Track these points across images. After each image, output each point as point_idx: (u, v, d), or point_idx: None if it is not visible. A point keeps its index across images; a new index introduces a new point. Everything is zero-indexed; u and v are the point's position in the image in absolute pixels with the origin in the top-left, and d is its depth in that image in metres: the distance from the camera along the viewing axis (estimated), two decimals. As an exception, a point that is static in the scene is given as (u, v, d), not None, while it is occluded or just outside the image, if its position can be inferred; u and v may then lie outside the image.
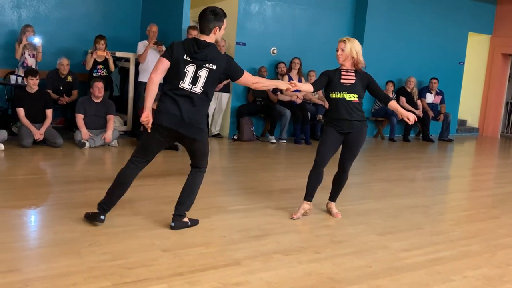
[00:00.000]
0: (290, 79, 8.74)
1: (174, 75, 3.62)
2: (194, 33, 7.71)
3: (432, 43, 10.78)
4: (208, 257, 3.40)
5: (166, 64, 3.61)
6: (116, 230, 3.75)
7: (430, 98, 10.59)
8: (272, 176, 6.17)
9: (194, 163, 3.90)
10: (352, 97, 4.26)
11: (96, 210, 3.80)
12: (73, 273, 2.98)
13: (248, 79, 3.88)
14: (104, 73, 7.82)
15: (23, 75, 7.17)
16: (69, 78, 7.70)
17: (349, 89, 4.28)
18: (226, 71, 3.75)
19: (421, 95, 10.51)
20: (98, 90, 6.99)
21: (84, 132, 6.85)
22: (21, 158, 6.15)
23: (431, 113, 10.37)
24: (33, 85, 6.74)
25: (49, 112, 6.84)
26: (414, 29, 10.47)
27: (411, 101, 10.22)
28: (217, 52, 3.68)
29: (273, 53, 9.13)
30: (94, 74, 7.71)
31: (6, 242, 3.41)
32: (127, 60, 8.22)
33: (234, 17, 8.62)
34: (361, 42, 9.80)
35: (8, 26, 7.86)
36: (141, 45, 7.90)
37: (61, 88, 7.64)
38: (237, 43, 8.66)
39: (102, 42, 7.69)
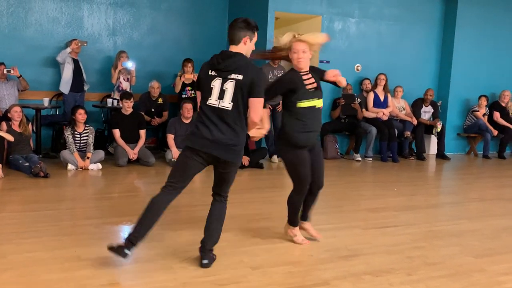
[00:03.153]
0: (376, 95, 8.62)
1: (203, 94, 3.37)
2: (278, 53, 7.82)
3: (528, 53, 10.17)
4: (296, 276, 3.40)
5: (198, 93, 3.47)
6: (207, 247, 3.84)
7: (527, 112, 9.96)
8: (358, 195, 6.07)
9: (218, 189, 3.53)
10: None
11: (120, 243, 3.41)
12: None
13: (257, 106, 3.28)
14: (192, 95, 8.11)
15: (118, 98, 7.63)
16: (160, 100, 8.06)
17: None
18: (250, 83, 3.25)
19: (517, 109, 9.92)
20: (187, 111, 7.27)
21: (174, 151, 7.12)
22: (117, 176, 6.51)
23: (529, 128, 9.73)
24: (128, 107, 7.13)
25: (142, 132, 7.20)
26: (508, 40, 9.93)
27: (506, 116, 9.66)
28: (246, 61, 3.32)
29: (358, 70, 9.04)
30: (183, 96, 8.02)
31: (106, 256, 3.60)
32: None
33: (317, 36, 8.64)
34: (450, 55, 9.70)
35: (105, 53, 8.40)
36: (227, 67, 8.12)
37: (153, 110, 8.01)
38: (321, 61, 8.66)
39: (189, 65, 8.00)
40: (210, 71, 3.33)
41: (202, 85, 3.37)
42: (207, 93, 3.32)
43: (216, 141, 3.28)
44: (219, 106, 3.28)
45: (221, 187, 3.50)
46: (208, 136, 3.29)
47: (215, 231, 3.50)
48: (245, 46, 3.36)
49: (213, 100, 3.29)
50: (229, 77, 3.26)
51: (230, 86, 3.26)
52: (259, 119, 3.35)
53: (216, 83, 3.29)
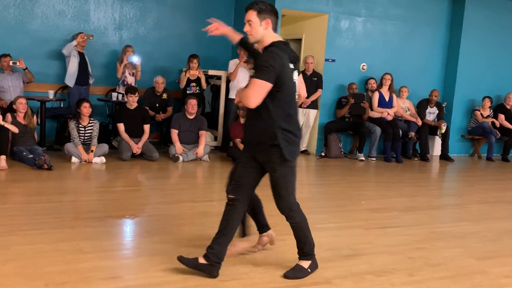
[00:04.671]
0: (381, 95, 8.60)
1: (286, 87, 3.03)
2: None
3: (535, 56, 10.13)
4: (298, 274, 3.40)
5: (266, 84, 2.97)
6: (208, 242, 3.83)
7: (532, 115, 9.92)
8: (361, 195, 6.06)
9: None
10: None
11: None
12: (170, 283, 3.11)
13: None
14: (197, 91, 8.11)
15: (123, 92, 7.63)
16: (164, 96, 8.06)
17: None
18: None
19: (522, 112, 9.88)
20: (192, 106, 7.27)
21: (178, 147, 7.13)
22: (120, 170, 6.52)
23: (533, 132, 9.70)
24: (132, 102, 7.14)
25: (146, 127, 7.20)
26: (514, 42, 9.91)
27: (510, 119, 9.63)
28: None
29: (363, 69, 9.02)
30: (188, 92, 8.02)
31: (109, 250, 3.62)
32: (219, 78, 8.48)
33: (323, 34, 8.64)
34: (456, 56, 9.67)
35: (111, 47, 8.40)
36: (232, 64, 8.12)
37: (157, 105, 8.01)
38: (326, 60, 8.65)
39: (195, 61, 8.00)
40: (289, 64, 3.04)
41: (286, 79, 3.02)
42: (292, 89, 3.08)
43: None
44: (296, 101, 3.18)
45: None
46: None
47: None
48: None
49: (295, 96, 3.15)
50: (296, 69, 3.13)
51: (298, 79, 3.16)
52: None
53: (295, 77, 3.11)
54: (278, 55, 2.95)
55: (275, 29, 3.11)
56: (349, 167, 7.86)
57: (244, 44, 3.37)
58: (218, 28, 3.41)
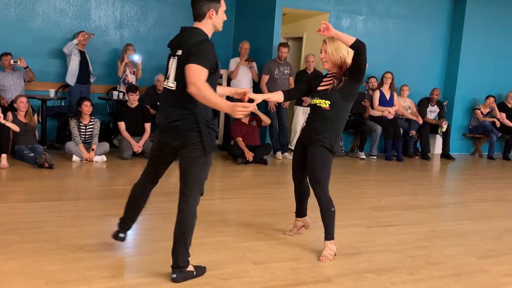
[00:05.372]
0: (382, 93, 8.59)
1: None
2: (285, 50, 7.81)
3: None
4: (299, 272, 3.40)
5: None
6: (209, 240, 3.85)
7: (533, 114, 9.91)
8: (362, 193, 6.06)
9: (180, 186, 3.10)
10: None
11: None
12: (170, 281, 3.10)
13: (190, 73, 2.83)
14: (198, 89, 8.08)
15: (124, 91, 7.63)
16: (165, 94, 8.05)
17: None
18: (187, 55, 2.90)
19: (524, 110, 9.87)
20: (193, 105, 7.26)
21: (178, 146, 7.13)
22: (121, 169, 6.52)
23: (534, 130, 9.68)
24: (133, 100, 7.14)
25: (147, 126, 7.20)
26: (516, 41, 9.90)
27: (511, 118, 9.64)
28: (191, 35, 2.97)
29: (364, 67, 9.00)
30: (189, 90, 8.01)
31: (109, 249, 3.62)
32: (220, 76, 8.47)
33: (324, 33, 8.62)
34: (458, 55, 9.65)
35: (111, 45, 8.39)
36: (233, 62, 8.12)
37: (158, 103, 8.00)
38: (327, 58, 8.63)
39: (196, 59, 7.98)
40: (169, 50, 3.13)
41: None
42: (166, 73, 3.12)
43: (166, 125, 3.04)
44: (166, 86, 3.07)
45: (182, 181, 3.09)
46: (161, 121, 3.11)
47: (178, 244, 3.09)
48: (212, 20, 3.01)
49: (165, 81, 3.11)
50: (176, 54, 3.01)
51: (173, 64, 3.01)
52: (198, 88, 2.79)
53: (169, 63, 3.07)
54: None
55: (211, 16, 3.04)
56: (350, 166, 7.85)
57: (355, 47, 3.50)
58: (328, 28, 3.55)
